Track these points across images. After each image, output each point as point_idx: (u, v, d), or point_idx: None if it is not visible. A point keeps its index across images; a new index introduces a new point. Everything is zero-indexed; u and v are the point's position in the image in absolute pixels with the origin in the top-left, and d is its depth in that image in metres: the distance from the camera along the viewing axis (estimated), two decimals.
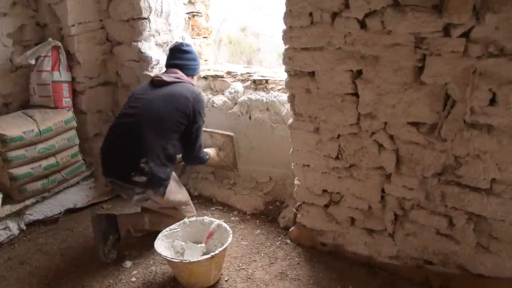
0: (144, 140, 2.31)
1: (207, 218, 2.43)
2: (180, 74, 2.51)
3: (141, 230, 2.48)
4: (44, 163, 2.78)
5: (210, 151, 2.84)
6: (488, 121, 1.71)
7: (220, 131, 2.94)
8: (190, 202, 2.61)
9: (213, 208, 2.98)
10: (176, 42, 2.71)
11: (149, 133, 2.31)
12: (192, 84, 2.54)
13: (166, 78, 2.44)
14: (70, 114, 2.95)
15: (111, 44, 3.16)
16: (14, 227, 2.72)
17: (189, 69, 2.57)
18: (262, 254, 2.43)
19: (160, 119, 2.34)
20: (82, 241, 2.70)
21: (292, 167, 2.39)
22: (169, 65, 2.59)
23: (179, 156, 2.59)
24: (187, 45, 2.63)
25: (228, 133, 2.91)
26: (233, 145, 2.91)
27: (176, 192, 2.49)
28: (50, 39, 2.92)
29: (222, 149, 2.97)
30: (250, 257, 2.41)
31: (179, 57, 2.56)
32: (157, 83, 2.45)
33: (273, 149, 2.79)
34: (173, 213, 2.50)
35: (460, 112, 1.75)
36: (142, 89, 2.52)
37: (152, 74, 2.88)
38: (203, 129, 2.70)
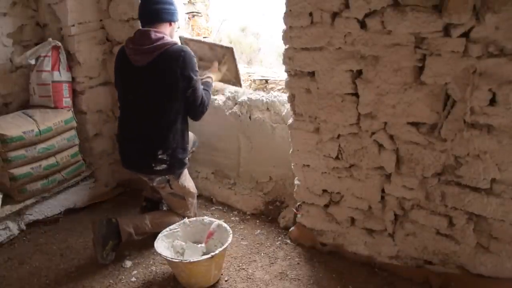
0: (154, 133, 2.32)
1: (207, 218, 2.43)
2: (156, 36, 2.23)
3: (143, 233, 2.47)
4: (44, 163, 2.77)
5: (211, 74, 2.62)
6: (488, 121, 1.71)
7: (219, 44, 2.85)
8: (196, 199, 2.63)
9: (213, 208, 2.98)
10: None
11: (157, 124, 2.32)
12: (173, 43, 2.27)
13: (139, 57, 2.25)
14: (70, 114, 2.94)
15: (111, 44, 3.15)
16: (14, 227, 2.72)
17: (167, 14, 2.32)
18: (262, 254, 2.43)
19: (161, 105, 2.30)
20: (82, 241, 2.70)
21: (292, 167, 2.39)
22: (142, 15, 2.33)
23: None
24: None
25: (228, 45, 2.81)
26: (234, 58, 2.72)
27: (188, 180, 2.55)
28: (50, 39, 2.92)
29: (223, 62, 2.78)
30: (250, 257, 2.41)
31: (150, 2, 2.30)
32: (137, 63, 2.28)
33: (273, 149, 2.79)
34: (178, 205, 2.53)
35: (460, 112, 1.75)
36: (125, 69, 2.37)
37: None
38: (202, 40, 2.72)
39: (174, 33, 2.48)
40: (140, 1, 2.40)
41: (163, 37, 2.27)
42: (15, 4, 2.95)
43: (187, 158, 2.46)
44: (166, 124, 2.33)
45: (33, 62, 2.89)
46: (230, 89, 2.95)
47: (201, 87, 2.39)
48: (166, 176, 2.42)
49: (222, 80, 2.86)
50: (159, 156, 2.32)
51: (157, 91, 2.29)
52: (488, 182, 1.79)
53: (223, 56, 2.76)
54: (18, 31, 3.00)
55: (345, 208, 2.24)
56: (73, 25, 2.94)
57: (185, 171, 2.50)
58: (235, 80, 2.85)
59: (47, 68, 2.89)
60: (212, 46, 2.80)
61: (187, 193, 2.54)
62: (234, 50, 2.74)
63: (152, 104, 2.31)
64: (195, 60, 2.32)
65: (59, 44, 2.94)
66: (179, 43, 2.43)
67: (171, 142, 2.34)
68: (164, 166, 2.34)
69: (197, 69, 2.34)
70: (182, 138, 2.40)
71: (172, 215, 2.54)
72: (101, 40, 3.13)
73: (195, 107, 2.36)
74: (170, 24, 2.37)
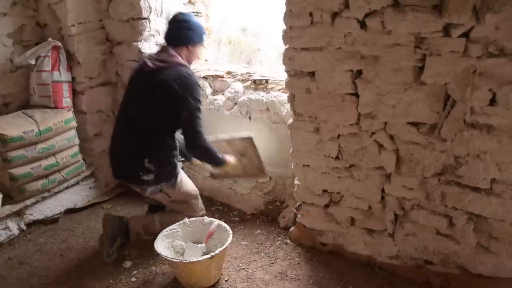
0: (143, 140, 2.32)
1: (207, 218, 2.43)
2: (170, 52, 2.37)
3: (152, 233, 2.43)
4: (44, 163, 2.77)
5: (229, 158, 2.58)
6: (488, 121, 1.71)
7: (237, 136, 2.76)
8: (199, 197, 2.62)
9: (213, 208, 2.98)
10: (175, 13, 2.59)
11: (145, 132, 2.32)
12: (183, 65, 2.34)
13: (151, 64, 2.32)
14: (70, 114, 2.95)
15: (111, 44, 3.16)
16: (14, 227, 2.72)
17: (181, 39, 2.42)
18: (262, 254, 2.43)
19: (151, 114, 2.31)
20: (82, 241, 2.70)
21: (292, 167, 2.39)
22: (164, 38, 2.50)
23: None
24: (182, 14, 2.51)
25: (246, 135, 2.71)
26: (255, 147, 2.66)
27: (186, 183, 2.52)
28: (50, 39, 2.92)
29: (243, 154, 2.74)
30: (250, 257, 2.41)
31: (173, 27, 2.46)
32: (144, 69, 2.35)
33: (273, 149, 2.79)
34: (183, 208, 2.51)
35: (460, 112, 1.75)
36: (134, 79, 2.44)
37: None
38: (220, 138, 2.68)
39: (192, 56, 2.51)
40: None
41: (176, 56, 2.37)
42: (15, 4, 2.95)
43: (175, 170, 2.42)
44: (156, 135, 2.33)
45: (33, 62, 2.89)
46: (230, 89, 2.95)
47: (202, 126, 2.35)
48: (158, 186, 2.40)
49: (245, 174, 2.78)
50: (146, 165, 2.31)
51: (153, 102, 2.30)
52: (488, 182, 1.79)
53: (243, 148, 2.71)
54: (18, 31, 3.00)
55: (345, 208, 2.24)
56: (73, 25, 2.94)
57: (180, 178, 2.47)
58: (259, 170, 2.75)
59: (47, 68, 2.89)
60: (230, 142, 2.73)
61: (188, 197, 2.53)
62: (253, 138, 2.66)
63: (147, 115, 2.32)
64: (199, 88, 2.35)
65: (59, 44, 2.94)
66: (190, 68, 2.43)
67: (158, 154, 2.34)
68: (151, 176, 2.33)
69: (198, 97, 2.33)
70: (170, 154, 2.39)
71: (181, 215, 2.53)
72: (101, 40, 3.13)
73: (189, 135, 2.33)
74: (188, 48, 2.45)
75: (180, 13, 2.54)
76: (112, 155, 2.47)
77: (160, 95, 2.28)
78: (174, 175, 2.42)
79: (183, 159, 2.75)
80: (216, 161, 2.50)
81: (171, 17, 2.55)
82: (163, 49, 2.45)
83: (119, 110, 2.49)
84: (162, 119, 2.32)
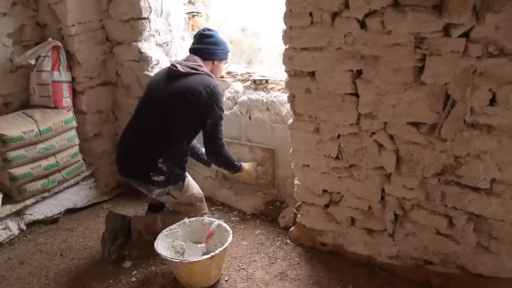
0: (160, 140, 2.31)
1: (207, 218, 2.43)
2: (198, 62, 2.42)
3: (154, 232, 2.41)
4: (44, 163, 2.78)
5: (246, 165, 2.72)
6: (488, 121, 1.71)
7: (260, 145, 2.83)
8: (204, 199, 2.62)
9: (213, 208, 2.98)
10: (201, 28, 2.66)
11: (165, 132, 2.31)
12: (210, 76, 2.40)
13: (181, 68, 2.35)
14: (70, 114, 2.95)
15: (111, 44, 3.16)
16: (14, 227, 2.72)
17: (208, 53, 2.47)
18: (262, 254, 2.43)
19: (174, 117, 2.31)
20: (82, 241, 2.70)
21: (292, 167, 2.39)
22: (190, 50, 2.54)
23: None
24: (209, 29, 2.56)
25: (269, 147, 2.79)
26: (273, 160, 2.79)
27: (192, 186, 2.53)
28: (50, 39, 2.92)
29: (261, 164, 2.83)
30: (250, 257, 2.41)
31: (199, 41, 2.50)
32: (172, 73, 2.37)
33: (273, 149, 2.79)
34: (188, 210, 2.51)
35: (460, 112, 1.75)
36: (159, 80, 2.44)
37: (155, 71, 2.85)
38: (243, 142, 2.78)
39: (216, 70, 2.56)
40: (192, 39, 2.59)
41: (204, 67, 2.43)
42: (15, 4, 2.95)
43: (184, 174, 2.44)
44: (174, 139, 2.33)
45: (33, 62, 2.90)
46: (230, 89, 2.95)
47: (223, 135, 2.43)
48: (165, 189, 2.40)
49: (256, 183, 2.89)
50: (159, 165, 2.30)
51: (179, 105, 2.30)
52: (488, 182, 1.79)
53: (263, 158, 2.82)
54: (18, 31, 3.01)
55: (345, 208, 2.25)
56: (73, 25, 2.94)
57: (187, 181, 2.48)
58: (270, 183, 2.86)
59: (47, 68, 2.89)
60: (252, 148, 2.85)
61: (193, 199, 2.53)
62: (276, 151, 2.75)
63: (169, 117, 2.31)
64: (223, 99, 2.44)
65: (59, 44, 2.94)
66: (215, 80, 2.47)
67: (173, 157, 2.34)
68: (162, 177, 2.32)
69: (223, 107, 2.39)
70: (184, 157, 2.41)
71: (183, 215, 2.52)
72: (101, 40, 3.13)
73: (210, 143, 2.40)
74: (213, 63, 2.51)
75: (207, 28, 2.59)
76: (123, 153, 2.45)
77: (187, 99, 2.29)
78: (182, 178, 2.43)
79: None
80: (234, 169, 2.62)
81: (197, 31, 2.60)
82: (190, 58, 2.47)
83: (137, 109, 2.48)
84: (184, 123, 2.33)
